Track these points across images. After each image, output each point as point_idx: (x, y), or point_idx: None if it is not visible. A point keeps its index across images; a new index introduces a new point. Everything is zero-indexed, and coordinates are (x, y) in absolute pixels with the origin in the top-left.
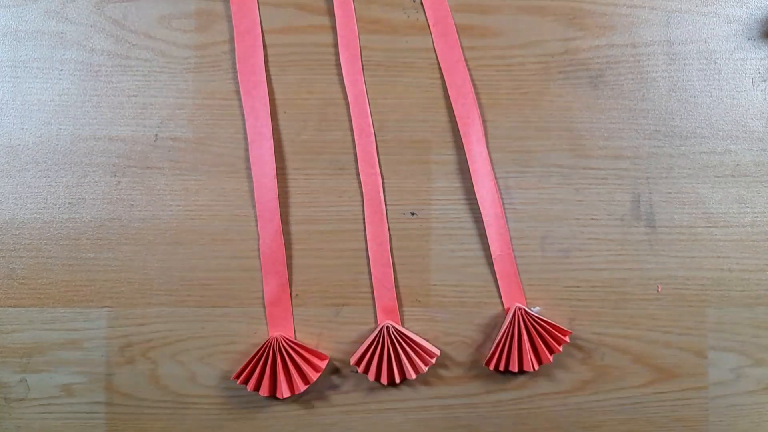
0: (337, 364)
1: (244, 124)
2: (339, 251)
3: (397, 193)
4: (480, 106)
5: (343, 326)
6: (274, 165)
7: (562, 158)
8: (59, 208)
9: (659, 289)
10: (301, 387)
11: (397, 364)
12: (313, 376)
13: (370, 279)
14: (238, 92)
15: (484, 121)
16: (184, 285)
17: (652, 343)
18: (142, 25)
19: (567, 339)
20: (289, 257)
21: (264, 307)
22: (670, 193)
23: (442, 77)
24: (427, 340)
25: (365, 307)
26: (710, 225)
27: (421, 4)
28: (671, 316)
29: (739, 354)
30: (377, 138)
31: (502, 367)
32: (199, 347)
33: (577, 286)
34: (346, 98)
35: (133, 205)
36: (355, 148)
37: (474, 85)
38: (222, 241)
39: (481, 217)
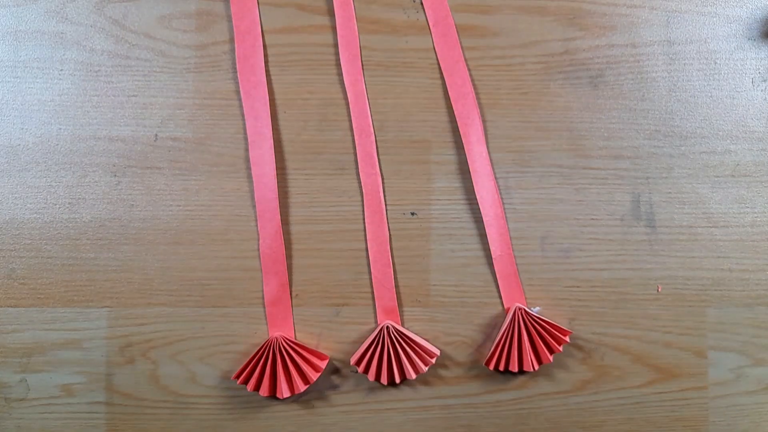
0: (337, 364)
1: (244, 124)
2: (339, 251)
3: (397, 193)
4: (480, 106)
5: (343, 326)
6: (274, 165)
7: (562, 158)
8: (59, 208)
9: (659, 289)
10: (301, 387)
11: (397, 364)
12: (313, 376)
13: (370, 279)
14: (238, 92)
15: (484, 121)
16: (184, 285)
17: (652, 343)
18: (142, 25)
19: (567, 339)
20: (289, 257)
21: (264, 307)
22: (670, 193)
23: (442, 77)
24: (427, 340)
25: (365, 307)
26: (710, 225)
27: (421, 4)
28: (671, 316)
29: (739, 354)
30: (377, 138)
31: (502, 367)
32: (199, 347)
33: (577, 286)
34: (346, 98)
35: (133, 205)
36: (355, 148)
37: (474, 85)
38: (222, 241)
39: (481, 217)
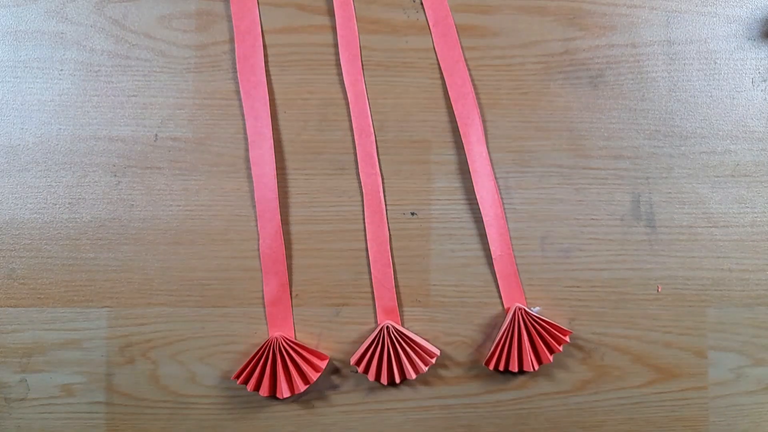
0: (337, 364)
1: (244, 124)
2: (339, 251)
3: (397, 193)
4: (480, 106)
5: (343, 326)
6: (274, 165)
7: (562, 158)
8: (59, 208)
9: (659, 289)
10: (301, 387)
11: (397, 364)
12: (313, 376)
13: (370, 279)
14: (238, 92)
15: (484, 121)
16: (184, 285)
17: (652, 343)
18: (142, 25)
19: (567, 339)
20: (289, 257)
21: (264, 307)
22: (670, 193)
23: (442, 77)
24: (427, 340)
25: (365, 307)
26: (710, 225)
27: (421, 4)
28: (671, 316)
29: (739, 354)
30: (377, 138)
31: (502, 367)
32: (199, 347)
33: (577, 286)
34: (346, 98)
35: (133, 205)
36: (355, 148)
37: (474, 85)
38: (222, 241)
39: (481, 217)
